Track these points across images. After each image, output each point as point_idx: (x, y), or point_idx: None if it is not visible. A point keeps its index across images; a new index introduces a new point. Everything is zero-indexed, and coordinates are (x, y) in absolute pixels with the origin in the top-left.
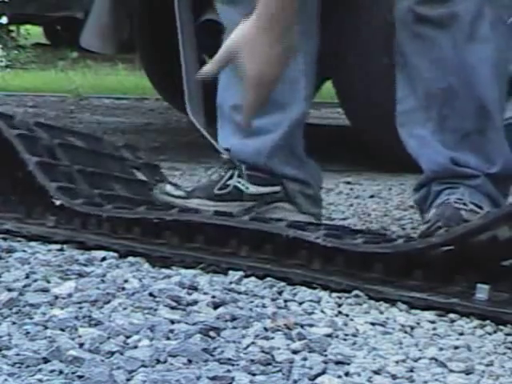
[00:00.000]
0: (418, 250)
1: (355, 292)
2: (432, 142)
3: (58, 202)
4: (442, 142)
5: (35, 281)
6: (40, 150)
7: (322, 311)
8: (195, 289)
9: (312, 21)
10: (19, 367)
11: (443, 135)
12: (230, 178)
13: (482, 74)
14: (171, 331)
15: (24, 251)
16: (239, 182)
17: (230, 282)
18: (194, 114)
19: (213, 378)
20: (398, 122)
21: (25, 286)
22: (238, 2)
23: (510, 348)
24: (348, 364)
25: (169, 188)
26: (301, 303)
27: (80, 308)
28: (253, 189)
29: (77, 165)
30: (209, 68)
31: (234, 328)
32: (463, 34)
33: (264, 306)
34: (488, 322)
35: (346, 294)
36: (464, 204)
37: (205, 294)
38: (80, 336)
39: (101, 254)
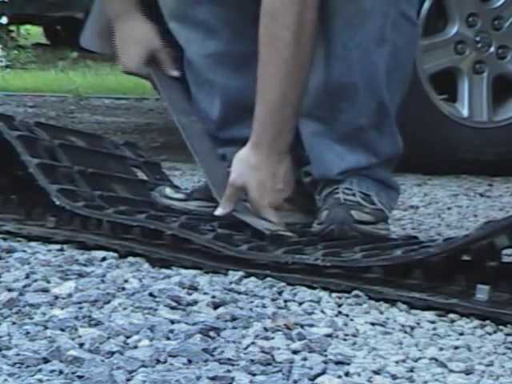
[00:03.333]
0: (417, 261)
1: (355, 292)
2: (323, 140)
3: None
4: (330, 135)
5: (35, 281)
6: (41, 152)
7: (322, 311)
8: (195, 289)
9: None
10: (19, 367)
11: (336, 127)
12: None
13: (382, 74)
14: (171, 331)
15: (24, 251)
16: None
17: (230, 282)
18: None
19: (213, 378)
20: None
21: (25, 286)
22: (186, 20)
23: (509, 348)
24: (348, 364)
25: (168, 191)
26: (301, 303)
27: (80, 308)
28: None
29: (77, 165)
30: (221, 211)
31: (234, 328)
32: (373, 36)
33: (264, 306)
34: (488, 322)
35: (346, 294)
36: (353, 195)
37: (205, 294)
38: (80, 336)
39: (101, 254)
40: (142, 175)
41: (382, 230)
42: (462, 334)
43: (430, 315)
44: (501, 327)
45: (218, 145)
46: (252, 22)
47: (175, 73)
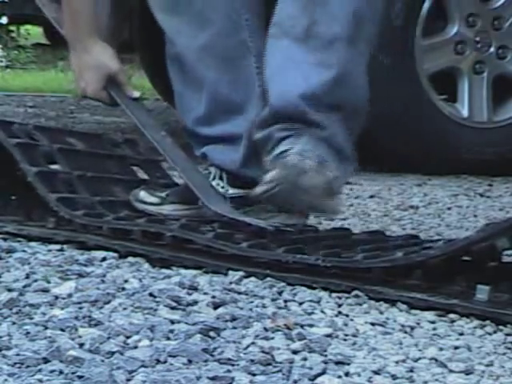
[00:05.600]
0: (418, 263)
1: (355, 292)
2: (292, 54)
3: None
4: (306, 49)
5: (35, 281)
6: (39, 158)
7: (322, 311)
8: (195, 289)
9: (260, 20)
10: (19, 367)
11: (310, 41)
12: (213, 179)
13: None
14: (171, 331)
15: (24, 251)
16: (218, 185)
17: (230, 282)
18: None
19: (213, 378)
20: (270, 33)
21: (25, 286)
22: (178, 11)
23: (509, 348)
24: (348, 364)
25: (143, 194)
26: (301, 303)
27: (80, 308)
28: (232, 191)
29: (77, 170)
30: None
31: (234, 328)
32: None
33: (264, 306)
34: (488, 322)
35: (346, 295)
36: (309, 158)
37: (205, 294)
38: (80, 336)
39: (101, 254)
40: (141, 175)
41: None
42: (462, 334)
43: (429, 315)
44: (501, 327)
45: (200, 143)
46: (248, 12)
47: (136, 93)
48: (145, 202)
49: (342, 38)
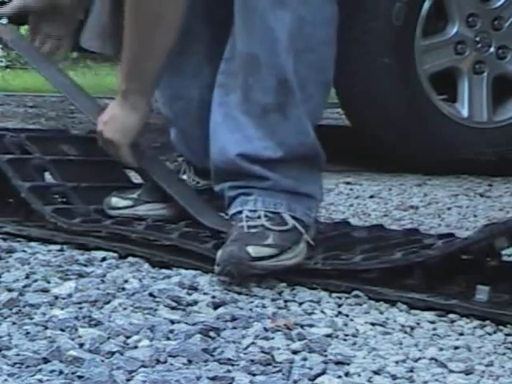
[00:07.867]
0: (417, 263)
1: (355, 292)
2: (234, 114)
3: None
4: (246, 112)
5: (35, 281)
6: (32, 172)
7: (322, 311)
8: (195, 289)
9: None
10: (19, 367)
11: (249, 105)
12: (183, 172)
13: (282, 44)
14: (171, 331)
15: (24, 251)
16: (189, 177)
17: (230, 283)
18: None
19: (213, 378)
20: (218, 82)
21: (25, 287)
22: None
23: (509, 348)
24: (348, 364)
25: (114, 201)
26: (301, 303)
27: (80, 308)
28: (203, 182)
29: (70, 181)
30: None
31: (234, 328)
32: None
33: (264, 307)
34: (488, 322)
35: (346, 295)
36: (258, 217)
37: (205, 294)
38: (80, 336)
39: (101, 254)
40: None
41: (286, 260)
42: (462, 334)
43: (430, 315)
44: (501, 327)
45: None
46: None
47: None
48: (118, 208)
49: (271, 107)
